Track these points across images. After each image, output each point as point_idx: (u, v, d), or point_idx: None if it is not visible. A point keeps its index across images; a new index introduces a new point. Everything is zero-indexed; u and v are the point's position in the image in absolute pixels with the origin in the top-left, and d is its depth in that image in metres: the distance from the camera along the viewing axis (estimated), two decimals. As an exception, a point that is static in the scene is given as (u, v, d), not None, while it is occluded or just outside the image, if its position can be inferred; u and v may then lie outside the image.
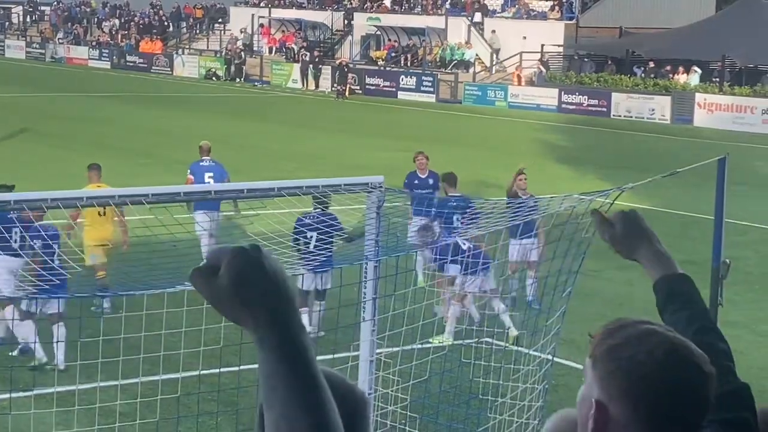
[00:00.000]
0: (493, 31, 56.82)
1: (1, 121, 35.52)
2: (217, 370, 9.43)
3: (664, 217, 22.64)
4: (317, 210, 13.16)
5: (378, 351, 9.17)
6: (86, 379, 10.05)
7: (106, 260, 14.43)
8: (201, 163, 17.79)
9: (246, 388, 9.56)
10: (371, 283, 8.99)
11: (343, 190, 9.57)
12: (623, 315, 2.86)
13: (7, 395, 8.94)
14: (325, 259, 12.37)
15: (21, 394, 9.57)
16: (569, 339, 11.61)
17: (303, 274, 12.74)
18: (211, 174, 17.40)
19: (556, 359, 9.59)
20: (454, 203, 14.82)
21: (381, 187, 9.09)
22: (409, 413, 9.67)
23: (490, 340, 10.29)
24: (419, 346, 9.75)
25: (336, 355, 8.88)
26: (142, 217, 8.99)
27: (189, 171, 17.75)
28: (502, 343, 9.97)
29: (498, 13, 59.19)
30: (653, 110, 47.55)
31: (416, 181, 17.84)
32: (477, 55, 56.84)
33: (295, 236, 13.14)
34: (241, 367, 8.96)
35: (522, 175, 16.07)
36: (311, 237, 12.99)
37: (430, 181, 17.83)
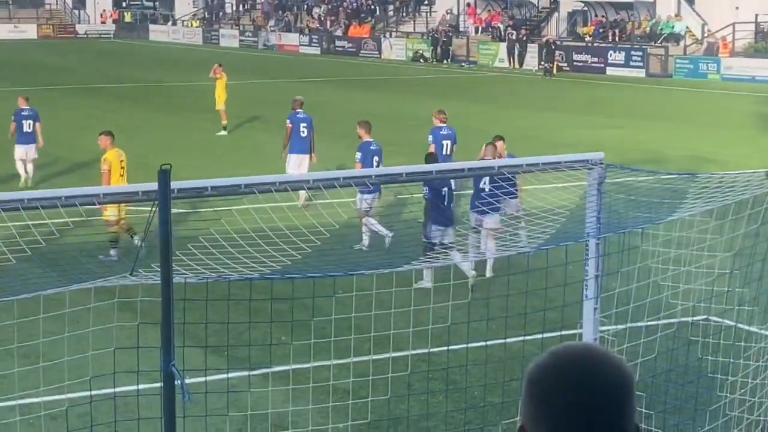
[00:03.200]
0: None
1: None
2: (445, 348, 9.57)
3: None
4: None
5: (602, 329, 9.14)
6: (318, 358, 10.37)
7: (118, 217, 16.44)
8: (297, 115, 20.80)
9: (469, 367, 9.68)
10: (593, 260, 8.96)
11: (564, 167, 9.58)
12: None
13: (246, 373, 9.33)
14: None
15: (257, 372, 9.96)
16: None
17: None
18: (305, 124, 20.57)
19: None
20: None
21: (602, 163, 9.05)
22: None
23: (718, 319, 10.10)
24: (645, 324, 9.67)
25: (563, 332, 8.90)
26: (349, 200, 9.22)
27: (288, 121, 20.64)
28: (731, 322, 9.77)
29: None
30: None
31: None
32: (687, 27, 55.41)
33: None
34: (469, 345, 9.09)
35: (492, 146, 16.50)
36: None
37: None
